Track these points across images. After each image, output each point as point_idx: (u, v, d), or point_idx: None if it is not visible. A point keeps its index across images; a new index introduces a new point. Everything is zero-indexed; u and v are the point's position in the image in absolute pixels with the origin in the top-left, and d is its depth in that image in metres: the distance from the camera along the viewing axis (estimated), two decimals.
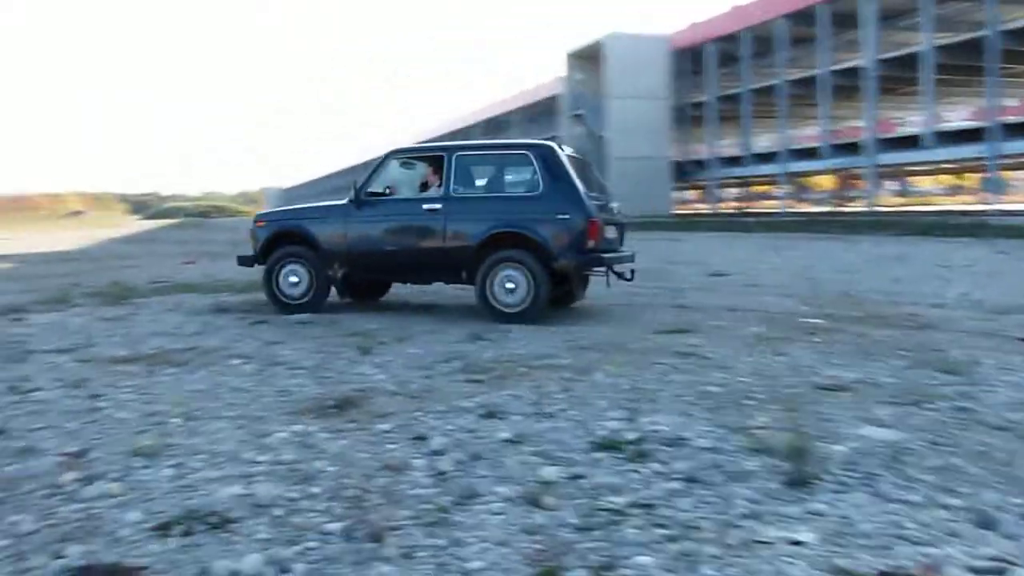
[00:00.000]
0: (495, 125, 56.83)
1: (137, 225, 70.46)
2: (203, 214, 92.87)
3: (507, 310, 7.19)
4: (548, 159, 7.30)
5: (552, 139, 8.53)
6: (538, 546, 2.46)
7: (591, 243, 7.13)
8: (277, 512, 2.79)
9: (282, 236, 8.23)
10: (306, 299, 8.04)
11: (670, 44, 39.45)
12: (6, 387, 4.89)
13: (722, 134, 41.68)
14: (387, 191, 8.02)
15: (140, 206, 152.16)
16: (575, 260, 7.09)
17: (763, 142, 46.98)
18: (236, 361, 5.64)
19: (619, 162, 38.03)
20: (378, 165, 7.96)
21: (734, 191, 52.86)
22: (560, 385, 4.69)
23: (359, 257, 7.90)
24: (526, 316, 7.08)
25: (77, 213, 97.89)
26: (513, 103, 53.47)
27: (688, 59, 39.35)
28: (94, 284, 11.85)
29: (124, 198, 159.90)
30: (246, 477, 3.16)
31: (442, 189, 7.61)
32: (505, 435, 3.67)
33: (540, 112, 49.69)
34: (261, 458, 3.39)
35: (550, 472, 3.11)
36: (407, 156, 8.48)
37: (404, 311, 8.22)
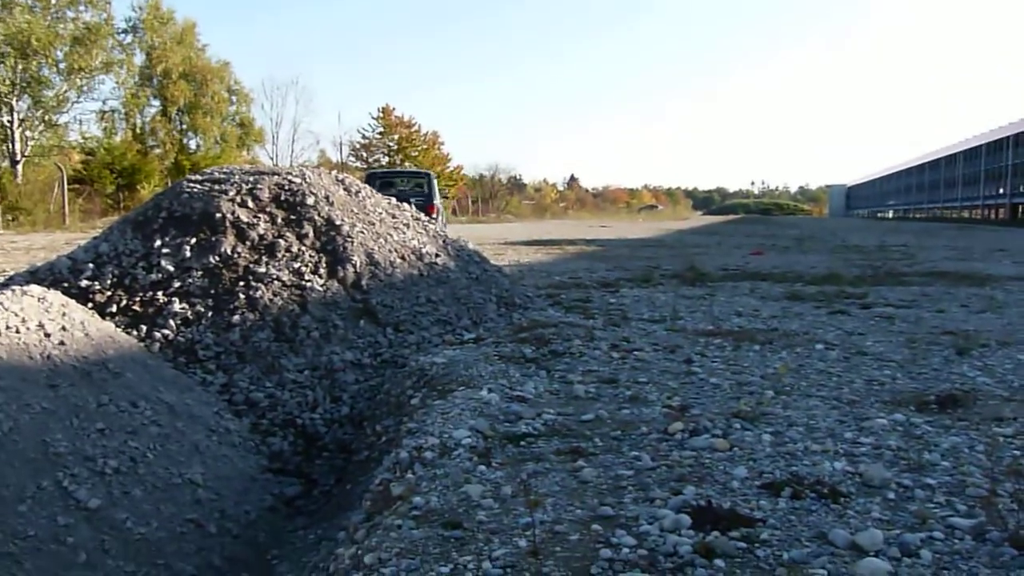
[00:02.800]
0: None
1: (702, 219, 74.62)
2: (765, 211, 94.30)
3: None
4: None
5: None
6: None
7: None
8: (890, 496, 2.62)
9: None
10: None
11: None
12: (609, 345, 5.48)
13: None
14: None
15: (705, 201, 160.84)
16: None
17: None
18: (820, 346, 5.53)
19: None
20: None
21: None
22: None
23: None
24: None
25: (651, 207, 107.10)
26: None
27: None
28: (672, 267, 12.79)
29: (690, 194, 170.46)
30: (849, 456, 3.03)
31: None
32: None
33: None
34: (863, 440, 3.23)
35: None
36: None
37: (1007, 313, 7.25)
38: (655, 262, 14.38)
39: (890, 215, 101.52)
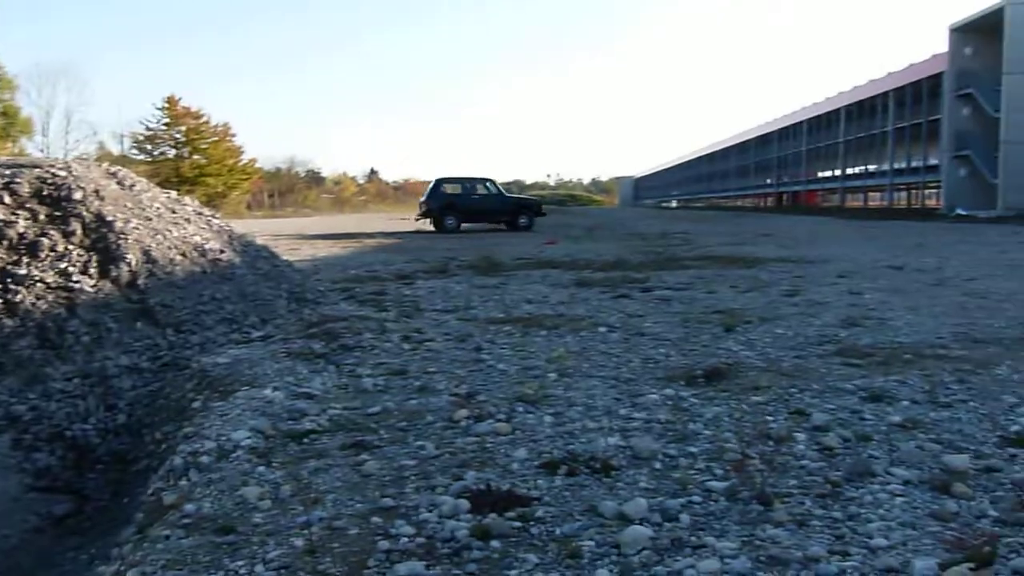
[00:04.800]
0: (864, 109, 52.84)
1: None
2: (560, 202, 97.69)
3: None
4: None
5: None
6: (953, 533, 2.17)
7: None
8: (656, 466, 2.78)
9: None
10: None
11: None
12: (400, 337, 5.47)
13: None
14: None
15: None
16: None
17: None
18: (603, 329, 5.79)
19: (1016, 147, 33.46)
20: None
21: None
22: (955, 376, 4.19)
23: None
24: None
25: None
26: (884, 85, 49.25)
27: None
28: (468, 258, 12.96)
29: None
30: (623, 431, 3.19)
31: None
32: (896, 419, 3.34)
33: (916, 94, 45.26)
34: (636, 415, 3.41)
35: (957, 460, 2.76)
36: None
37: (770, 292, 7.91)
38: (452, 253, 14.50)
39: (674, 204, 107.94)
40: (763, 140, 72.97)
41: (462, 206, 25.99)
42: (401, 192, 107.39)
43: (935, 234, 20.43)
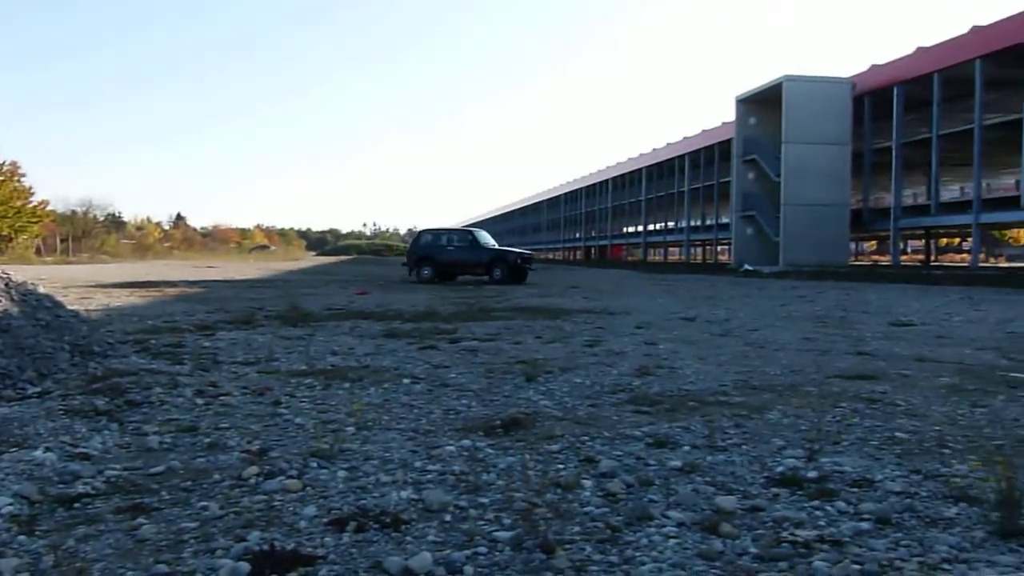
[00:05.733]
0: (663, 170, 56.37)
1: (315, 260, 74.66)
2: (376, 251, 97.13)
3: None
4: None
5: None
6: (716, 572, 2.32)
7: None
8: (447, 518, 2.79)
9: None
10: None
11: (851, 87, 37.86)
12: (194, 391, 5.23)
13: (907, 182, 39.46)
14: None
15: (319, 242, 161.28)
16: None
17: (953, 191, 44.05)
18: (407, 381, 5.77)
19: (793, 208, 36.76)
20: None
21: (917, 243, 49.76)
22: (732, 421, 4.50)
23: None
24: None
25: (263, 247, 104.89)
26: (681, 148, 52.90)
27: (871, 103, 37.59)
28: (276, 308, 12.58)
29: (304, 234, 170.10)
30: (416, 484, 3.18)
31: None
32: (676, 464, 3.53)
33: (709, 158, 48.87)
34: (431, 467, 3.42)
35: (726, 502, 2.95)
36: None
37: (572, 343, 8.19)
38: (259, 303, 14.04)
39: None
40: (572, 196, 76.17)
41: (437, 257, 25.82)
42: (210, 239, 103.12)
43: (725, 288, 21.96)
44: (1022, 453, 3.81)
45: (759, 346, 8.15)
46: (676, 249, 60.21)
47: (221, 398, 5.04)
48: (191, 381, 5.62)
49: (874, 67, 37.53)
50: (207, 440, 3.97)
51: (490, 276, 25.02)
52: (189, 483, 3.26)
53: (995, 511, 2.78)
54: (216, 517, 2.84)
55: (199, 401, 4.95)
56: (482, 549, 2.49)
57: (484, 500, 2.98)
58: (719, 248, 55.72)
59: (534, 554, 2.45)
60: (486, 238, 26.81)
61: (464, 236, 26.62)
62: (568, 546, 2.51)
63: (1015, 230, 43.12)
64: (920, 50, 34.34)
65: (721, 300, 16.08)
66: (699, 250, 59.85)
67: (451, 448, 3.76)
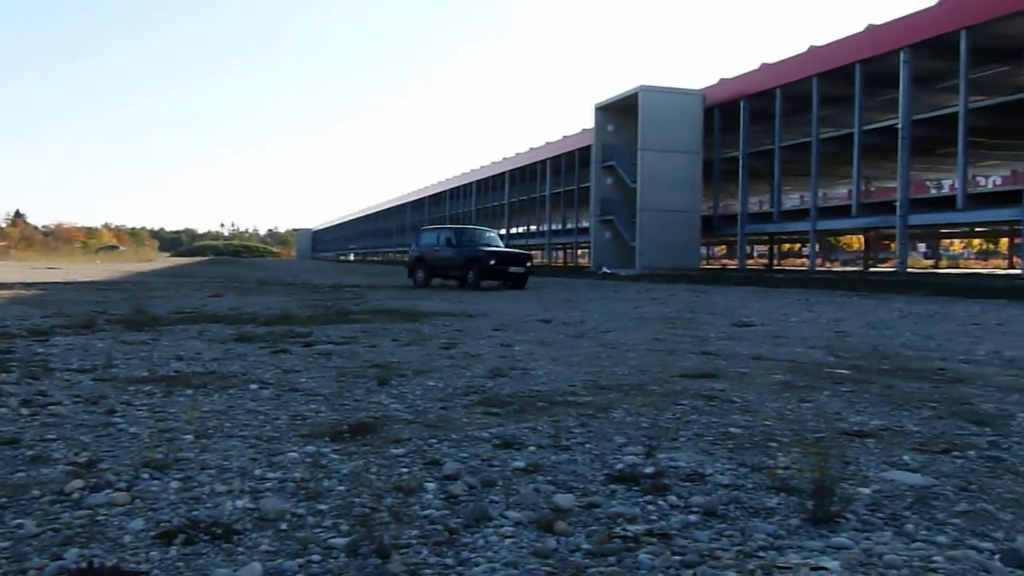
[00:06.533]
0: (526, 174, 57.16)
1: (168, 261, 71.50)
2: (235, 253, 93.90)
3: None
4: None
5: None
6: (548, 569, 2.37)
7: None
8: (283, 526, 2.73)
9: None
10: None
11: (702, 99, 39.58)
12: (19, 401, 4.91)
13: (753, 190, 41.61)
14: None
15: (173, 243, 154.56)
16: None
17: (794, 199, 46.75)
18: (254, 386, 5.61)
19: (649, 214, 38.07)
20: None
21: (763, 247, 52.57)
22: (578, 420, 4.61)
23: None
24: None
25: (111, 247, 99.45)
26: (543, 153, 53.81)
27: (720, 114, 39.41)
28: (120, 312, 11.97)
29: (157, 234, 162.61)
30: (254, 492, 3.10)
31: None
32: (520, 464, 3.59)
33: (570, 163, 49.94)
34: (271, 475, 3.34)
35: (564, 500, 3.03)
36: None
37: (428, 345, 8.18)
38: (103, 307, 13.32)
39: (352, 257, 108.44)
40: (436, 199, 76.15)
41: (428, 259, 23.46)
42: (52, 238, 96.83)
43: (583, 290, 22.50)
44: (839, 444, 4.09)
45: (611, 347, 8.39)
46: (538, 252, 61.20)
47: (50, 408, 4.75)
48: (17, 390, 5.27)
49: (723, 81, 39.38)
50: (29, 453, 3.73)
51: (463, 280, 22.23)
52: (4, 500, 3.05)
53: (810, 499, 2.97)
54: (31, 535, 2.66)
55: (24, 411, 4.64)
56: (316, 557, 2.45)
57: (323, 507, 2.94)
58: (579, 251, 57.02)
59: (369, 560, 2.43)
60: (484, 237, 23.83)
61: (457, 234, 23.78)
62: (404, 550, 2.51)
63: (848, 236, 46.21)
64: (764, 66, 36.28)
65: (579, 302, 16.47)
66: (560, 253, 61.05)
67: (294, 455, 3.68)
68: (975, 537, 2.71)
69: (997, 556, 2.45)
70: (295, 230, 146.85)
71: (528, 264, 23.09)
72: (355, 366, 6.70)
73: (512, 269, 21.94)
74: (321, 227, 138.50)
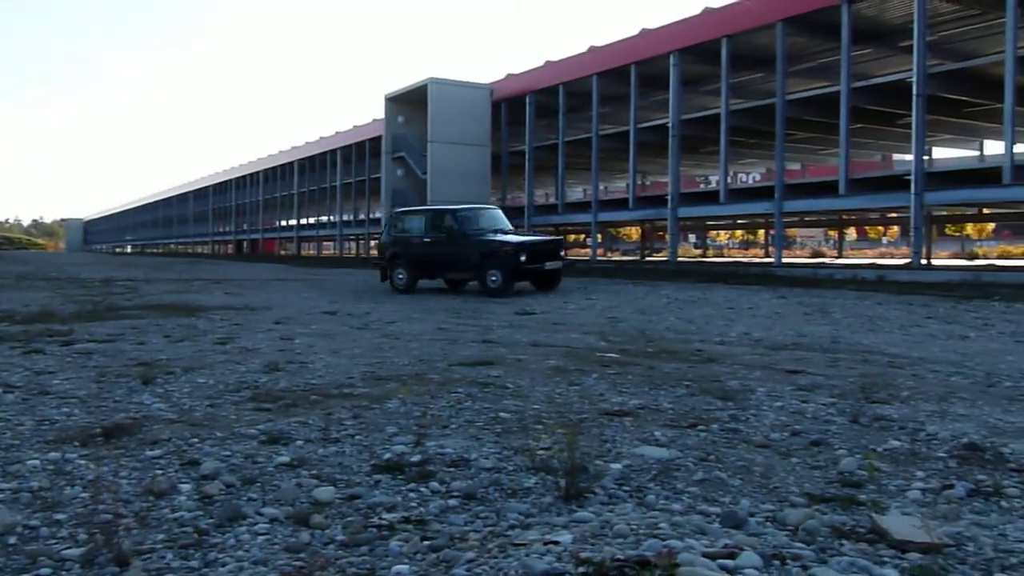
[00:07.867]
0: (316, 164, 55.87)
1: None
2: None
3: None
4: None
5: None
6: (298, 563, 2.35)
7: None
8: (11, 540, 2.53)
9: None
10: None
11: (490, 93, 40.34)
12: None
13: (539, 183, 42.96)
14: None
15: None
16: None
17: (578, 192, 48.72)
18: None
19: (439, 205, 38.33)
20: None
21: None
22: (351, 412, 4.59)
23: None
24: None
25: None
26: (334, 143, 52.79)
27: (507, 109, 40.33)
28: None
29: None
30: None
31: None
32: (284, 459, 3.53)
33: (360, 153, 49.33)
34: (3, 485, 3.07)
35: (324, 493, 3.01)
36: None
37: (202, 341, 7.81)
38: None
39: (129, 250, 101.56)
40: (221, 187, 72.75)
41: (413, 254, 16.76)
42: None
43: (374, 282, 22.34)
44: (600, 424, 4.34)
45: (394, 337, 8.40)
46: (330, 243, 60.00)
47: None
48: None
49: (510, 76, 40.34)
50: None
51: (483, 283, 15.64)
52: None
53: (563, 478, 3.13)
54: None
55: None
56: (45, 571, 2.30)
57: (61, 516, 2.75)
58: (371, 243, 56.48)
59: (106, 569, 2.31)
60: (496, 220, 17.01)
61: (455, 217, 16.60)
62: (147, 556, 2.40)
63: (627, 228, 48.91)
64: (549, 63, 37.51)
65: (370, 295, 16.32)
66: (352, 244, 60.21)
67: (34, 462, 3.41)
68: (706, 503, 2.98)
69: (718, 518, 2.71)
70: (63, 220, 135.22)
71: (564, 254, 17.89)
72: (119, 365, 6.30)
73: (548, 266, 16.06)
74: (94, 217, 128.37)
